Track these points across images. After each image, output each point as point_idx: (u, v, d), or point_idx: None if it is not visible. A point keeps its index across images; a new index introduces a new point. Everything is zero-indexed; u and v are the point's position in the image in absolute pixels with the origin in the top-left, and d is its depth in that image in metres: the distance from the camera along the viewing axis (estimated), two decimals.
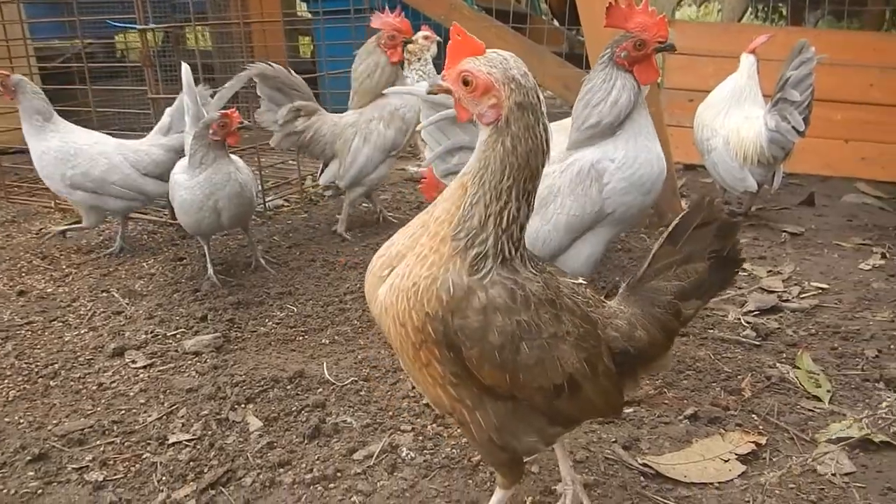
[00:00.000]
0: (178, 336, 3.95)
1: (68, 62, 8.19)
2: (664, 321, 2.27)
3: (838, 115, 7.14)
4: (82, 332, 4.03)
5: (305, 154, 5.55)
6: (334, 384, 3.42)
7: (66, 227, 5.27)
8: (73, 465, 2.88)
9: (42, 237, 5.26)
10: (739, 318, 4.04)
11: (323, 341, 3.89)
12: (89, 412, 3.27)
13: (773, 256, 5.04)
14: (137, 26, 5.36)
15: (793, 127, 5.17)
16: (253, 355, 3.73)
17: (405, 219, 5.71)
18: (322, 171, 5.60)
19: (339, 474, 2.80)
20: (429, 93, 2.05)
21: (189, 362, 3.68)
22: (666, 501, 2.63)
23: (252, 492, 2.72)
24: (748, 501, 2.61)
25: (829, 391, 3.30)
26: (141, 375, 3.57)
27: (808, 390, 3.33)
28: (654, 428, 3.07)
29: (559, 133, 3.88)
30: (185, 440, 3.03)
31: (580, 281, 2.28)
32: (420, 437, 3.02)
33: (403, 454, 2.90)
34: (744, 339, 3.79)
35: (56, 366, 3.65)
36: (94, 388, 3.47)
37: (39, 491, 2.74)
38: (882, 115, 7.14)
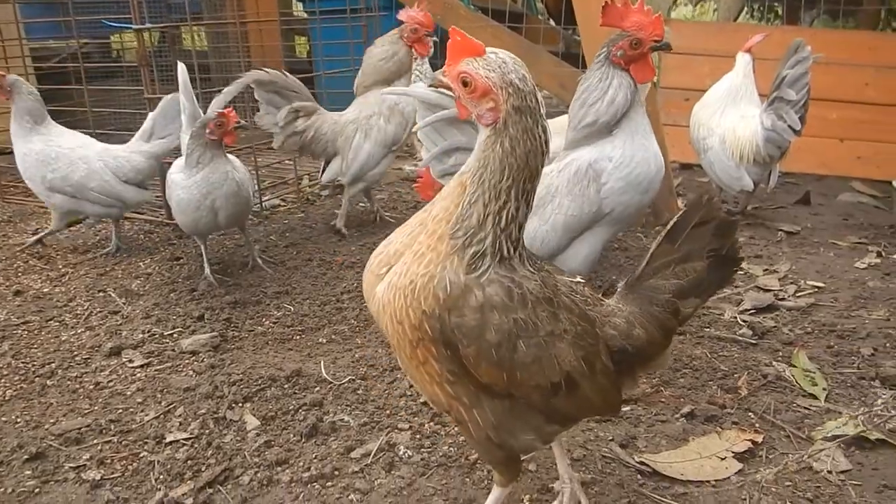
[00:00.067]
0: (175, 335, 3.95)
1: (64, 62, 8.18)
2: (662, 320, 2.27)
3: (834, 114, 7.16)
4: (79, 331, 4.03)
5: (308, 154, 5.55)
6: (332, 383, 3.43)
7: (40, 236, 5.25)
8: (71, 464, 2.88)
9: (26, 246, 5.24)
10: (736, 317, 4.05)
11: (320, 340, 3.89)
12: (86, 411, 3.26)
13: (769, 255, 5.06)
14: (133, 26, 5.36)
15: (789, 126, 5.19)
16: (250, 354, 3.73)
17: (402, 218, 5.70)
18: (323, 170, 5.60)
19: (336, 473, 2.80)
20: (430, 86, 2.06)
21: (186, 361, 3.68)
22: (663, 499, 2.63)
23: (250, 490, 2.72)
24: (745, 499, 2.62)
25: (825, 389, 3.31)
26: (138, 375, 3.57)
27: (804, 388, 3.34)
28: (651, 426, 3.08)
29: (556, 134, 3.89)
30: (183, 439, 3.03)
31: (578, 279, 2.28)
32: (417, 436, 3.02)
33: (401, 452, 2.90)
34: (740, 338, 3.80)
35: (53, 365, 3.64)
36: (91, 387, 3.47)
37: (36, 490, 2.74)
38: (877, 115, 7.16)
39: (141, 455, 2.94)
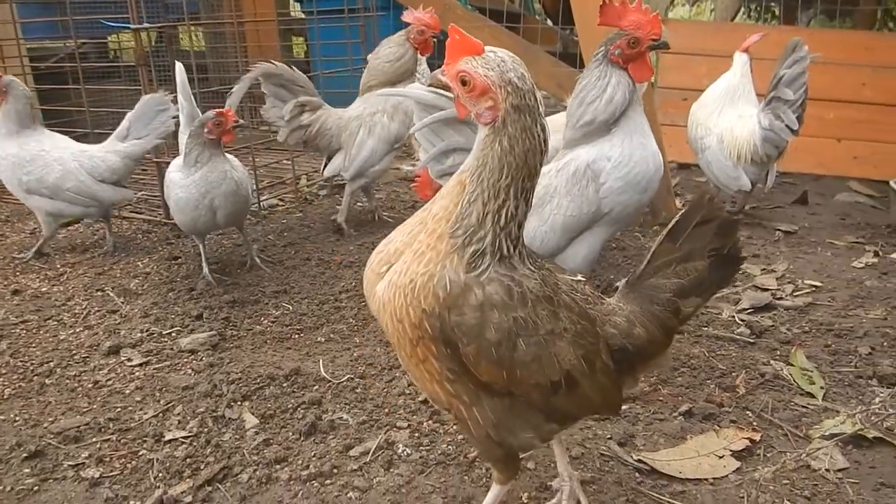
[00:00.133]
0: (173, 334, 3.95)
1: (61, 62, 8.17)
2: (663, 319, 2.26)
3: (831, 113, 7.17)
4: (77, 330, 4.03)
5: (311, 149, 5.58)
6: (330, 381, 3.43)
7: (37, 247, 5.24)
8: (70, 462, 2.89)
9: (26, 260, 5.22)
10: (733, 316, 4.05)
11: (318, 339, 3.89)
12: (85, 410, 3.27)
13: (766, 255, 5.07)
14: (132, 26, 5.36)
15: (786, 125, 5.20)
16: (249, 353, 3.74)
17: (400, 217, 5.72)
18: (325, 165, 5.62)
19: (335, 471, 2.81)
20: (429, 85, 2.06)
21: (185, 360, 3.68)
22: (661, 497, 2.64)
23: (248, 488, 2.73)
24: (742, 497, 2.63)
25: (822, 388, 3.32)
26: (137, 373, 3.57)
27: (801, 387, 3.35)
28: (649, 424, 3.09)
29: (554, 132, 3.89)
30: (182, 437, 3.03)
31: (579, 277, 2.28)
32: (416, 434, 3.02)
33: (399, 451, 2.91)
34: (738, 337, 3.81)
35: (51, 364, 3.65)
36: (90, 385, 3.47)
37: (35, 488, 2.75)
38: (874, 114, 7.17)
39: (140, 453, 2.95)
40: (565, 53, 7.72)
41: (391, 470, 2.81)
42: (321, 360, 3.62)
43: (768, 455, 2.88)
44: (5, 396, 3.38)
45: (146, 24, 5.46)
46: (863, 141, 7.22)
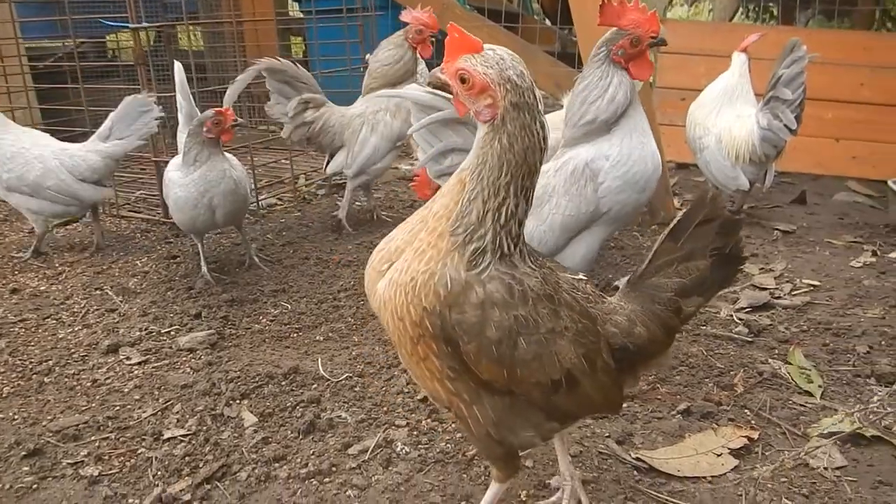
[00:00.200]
0: (172, 333, 3.95)
1: (60, 62, 8.16)
2: (664, 318, 2.26)
3: (829, 113, 7.18)
4: (76, 329, 4.03)
5: (314, 146, 5.60)
6: (329, 380, 3.43)
7: (33, 247, 5.24)
8: (68, 461, 2.88)
9: (24, 260, 5.21)
10: (732, 315, 4.06)
11: (317, 338, 3.89)
12: (84, 408, 3.27)
13: (765, 254, 5.07)
14: (130, 25, 5.36)
15: (785, 125, 5.20)
16: (247, 352, 3.74)
17: (398, 217, 5.72)
18: (328, 162, 5.63)
19: (334, 469, 2.81)
20: (428, 84, 2.05)
21: (183, 359, 3.68)
22: (659, 495, 2.64)
23: (247, 486, 2.73)
24: (741, 495, 2.63)
25: (820, 386, 3.33)
26: (135, 372, 3.57)
27: (799, 386, 3.35)
28: (648, 423, 3.09)
29: (554, 130, 3.89)
30: (180, 435, 3.03)
31: (580, 276, 2.28)
32: (415, 432, 3.03)
33: (398, 449, 2.91)
34: (736, 336, 3.81)
35: (50, 362, 3.65)
36: (89, 384, 3.47)
37: (34, 486, 2.75)
38: (872, 114, 7.18)
39: (139, 451, 2.95)
40: (563, 53, 7.73)
41: (390, 468, 2.81)
42: (320, 359, 3.62)
43: (766, 453, 2.88)
44: (4, 395, 3.38)
45: (145, 24, 5.46)
46: (861, 141, 7.23)
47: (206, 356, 3.68)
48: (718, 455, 2.85)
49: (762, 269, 4.76)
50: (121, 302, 4.34)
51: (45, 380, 3.51)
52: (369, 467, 2.82)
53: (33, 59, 8.33)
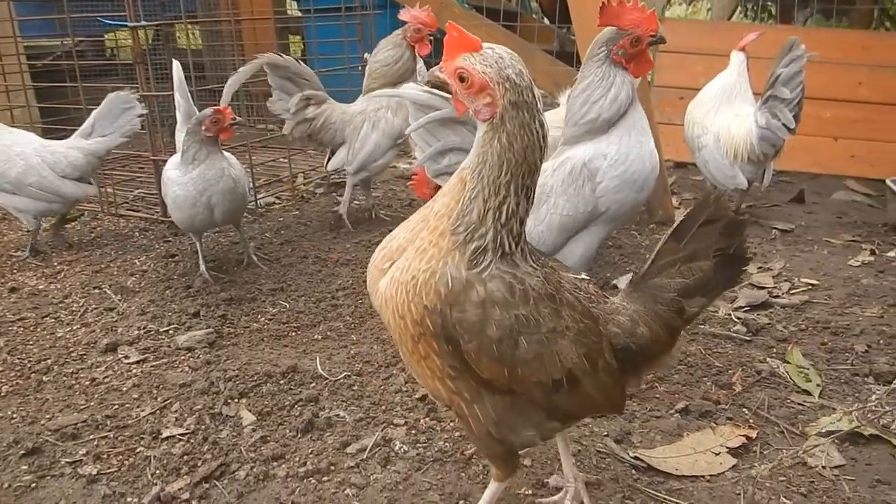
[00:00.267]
0: (170, 332, 3.95)
1: (58, 60, 8.16)
2: (667, 318, 2.25)
3: (827, 112, 7.18)
4: (74, 328, 4.03)
5: (315, 142, 5.61)
6: (327, 379, 3.43)
7: (30, 245, 5.23)
8: (67, 459, 2.88)
9: (24, 258, 5.21)
10: (730, 314, 4.06)
11: (315, 337, 3.89)
12: (82, 407, 3.27)
13: (763, 253, 5.07)
14: (129, 24, 5.36)
15: (783, 124, 5.20)
16: (246, 351, 3.74)
17: (397, 215, 5.73)
18: (329, 159, 5.65)
19: (332, 468, 2.81)
20: (427, 83, 2.05)
21: (182, 358, 3.68)
22: (657, 494, 2.64)
23: (246, 485, 2.73)
24: (739, 494, 2.63)
25: (818, 385, 3.33)
26: (134, 371, 3.57)
27: (798, 385, 3.35)
28: (646, 422, 3.09)
29: (553, 128, 3.88)
30: (179, 434, 3.03)
31: (583, 276, 2.28)
32: (413, 431, 3.03)
33: (396, 448, 2.91)
34: (734, 335, 3.82)
35: (49, 361, 3.65)
36: (87, 383, 3.47)
37: (33, 485, 2.74)
38: (871, 113, 7.19)
39: (137, 450, 2.94)
40: (562, 52, 7.74)
41: (388, 467, 2.81)
42: (318, 358, 3.62)
43: (765, 452, 2.88)
44: (3, 394, 3.38)
45: (143, 23, 5.45)
46: (859, 140, 7.24)
47: (205, 355, 3.68)
48: (717, 454, 2.85)
49: (760, 267, 4.76)
50: (119, 301, 4.34)
51: (44, 378, 3.51)
52: (367, 466, 2.82)
53: (32, 57, 8.33)
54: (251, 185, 5.77)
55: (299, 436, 3.02)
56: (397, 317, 2.01)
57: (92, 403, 3.29)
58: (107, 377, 3.52)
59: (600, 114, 3.44)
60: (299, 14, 11.34)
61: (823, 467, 2.75)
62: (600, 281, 4.39)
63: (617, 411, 2.38)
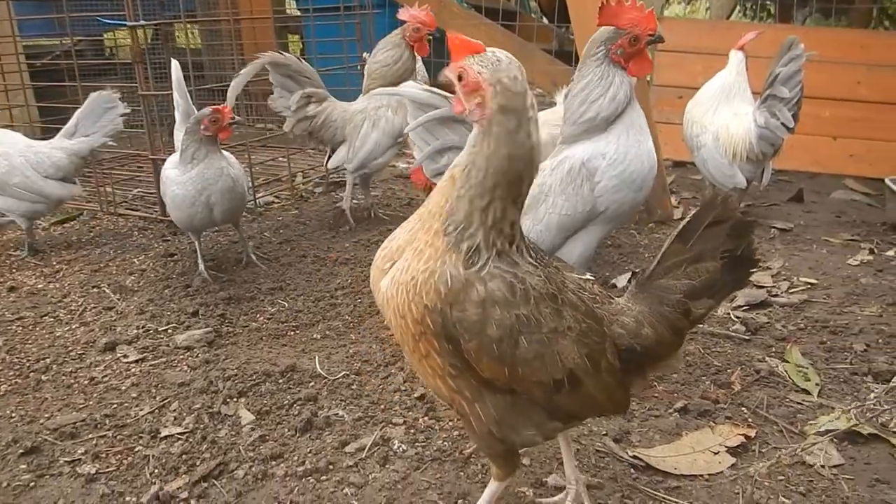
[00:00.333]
0: (169, 331, 3.95)
1: (57, 60, 8.16)
2: (672, 320, 2.22)
3: (826, 112, 7.18)
4: (73, 327, 4.03)
5: (315, 140, 5.62)
6: (326, 378, 3.43)
7: (27, 244, 5.23)
8: (66, 458, 2.88)
9: (23, 258, 5.20)
10: (729, 313, 4.06)
11: (314, 336, 3.89)
12: (81, 406, 3.27)
13: (762, 252, 5.07)
14: (128, 23, 5.36)
15: (782, 123, 5.20)
16: (244, 350, 3.74)
17: (395, 215, 5.74)
18: (329, 157, 5.66)
19: (331, 467, 2.81)
20: (436, 82, 2.06)
21: (181, 357, 3.68)
22: (656, 493, 2.64)
23: (244, 484, 2.73)
24: (738, 493, 2.63)
25: (817, 384, 3.33)
26: (133, 370, 3.57)
27: (796, 383, 3.35)
28: (645, 421, 3.09)
29: (553, 126, 3.89)
30: (178, 433, 3.03)
31: (588, 276, 2.27)
32: (412, 430, 3.03)
33: (395, 447, 2.91)
34: (733, 334, 3.82)
35: (47, 360, 3.65)
36: (86, 382, 3.47)
37: (32, 484, 2.74)
38: (869, 113, 7.19)
39: (136, 449, 2.94)
40: (561, 51, 7.73)
41: (387, 466, 2.81)
42: (317, 357, 3.62)
43: (763, 451, 2.89)
44: (1, 393, 3.38)
45: (142, 22, 5.45)
46: (858, 139, 7.24)
47: (204, 354, 3.68)
48: (715, 453, 2.85)
49: (759, 267, 4.76)
50: (118, 300, 4.34)
51: (43, 378, 3.51)
52: (366, 465, 2.82)
53: (31, 56, 8.33)
54: (250, 184, 5.77)
55: (298, 435, 3.02)
56: (398, 316, 2.01)
57: (91, 402, 3.29)
58: (105, 376, 3.52)
59: (599, 113, 3.44)
60: (298, 13, 11.33)
61: (822, 466, 2.75)
62: (599, 280, 4.39)
63: (620, 412, 2.37)
